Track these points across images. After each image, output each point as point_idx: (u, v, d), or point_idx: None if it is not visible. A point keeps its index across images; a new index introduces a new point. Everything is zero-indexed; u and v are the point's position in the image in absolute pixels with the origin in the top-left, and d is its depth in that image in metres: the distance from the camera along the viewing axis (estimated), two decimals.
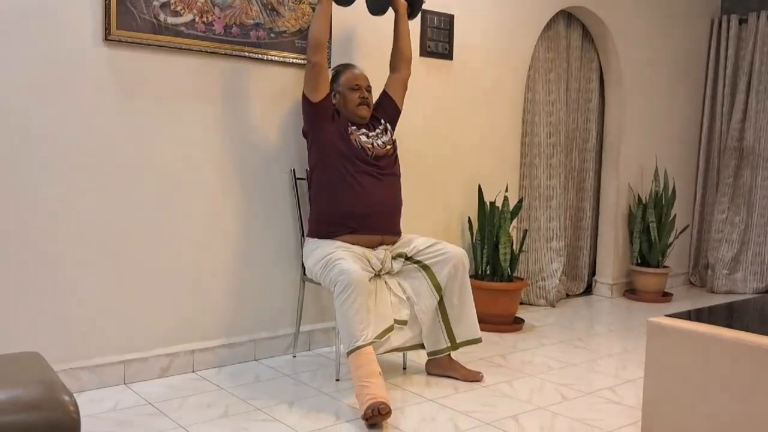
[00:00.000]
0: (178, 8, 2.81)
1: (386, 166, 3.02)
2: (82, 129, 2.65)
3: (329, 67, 3.20)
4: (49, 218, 2.59)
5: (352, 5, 3.13)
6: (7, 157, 2.50)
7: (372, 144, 2.99)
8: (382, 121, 3.11)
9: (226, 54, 2.96)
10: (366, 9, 3.21)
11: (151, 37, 2.75)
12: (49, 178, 2.58)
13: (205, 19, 2.89)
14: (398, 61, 3.22)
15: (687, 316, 2.39)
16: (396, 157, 3.10)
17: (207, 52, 2.91)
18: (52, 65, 2.56)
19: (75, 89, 2.62)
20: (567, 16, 4.55)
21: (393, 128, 3.15)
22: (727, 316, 2.61)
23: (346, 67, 3.11)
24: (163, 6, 2.77)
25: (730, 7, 5.32)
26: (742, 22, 5.17)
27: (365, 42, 3.42)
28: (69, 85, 2.60)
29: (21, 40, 2.50)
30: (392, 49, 3.23)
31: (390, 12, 3.22)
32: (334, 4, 3.03)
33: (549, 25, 4.38)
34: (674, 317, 2.32)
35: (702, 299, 4.83)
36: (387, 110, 3.16)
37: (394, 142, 3.10)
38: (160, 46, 2.78)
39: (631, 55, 4.77)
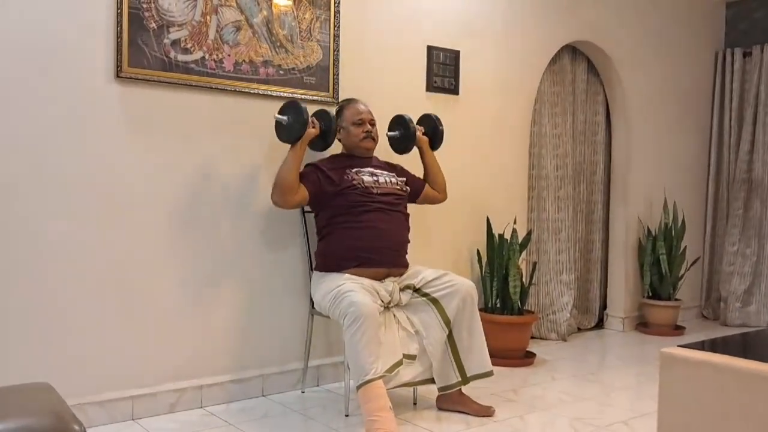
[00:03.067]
0: (189, 46, 2.86)
1: (393, 202, 3.02)
2: (93, 165, 2.68)
3: (336, 102, 3.25)
4: (58, 252, 2.61)
5: (360, 35, 3.19)
6: (19, 192, 2.53)
7: (377, 181, 3.00)
8: (403, 179, 3.16)
9: (235, 91, 3.00)
10: (375, 47, 3.26)
11: (162, 74, 2.80)
12: (59, 213, 2.61)
13: (215, 57, 2.94)
14: (437, 189, 3.37)
15: (701, 346, 2.36)
16: (405, 198, 3.12)
17: (217, 88, 2.95)
18: (65, 102, 2.61)
19: (87, 125, 2.66)
20: (572, 50, 4.60)
21: (405, 187, 3.17)
22: (742, 346, 2.58)
23: (349, 102, 3.15)
24: (173, 44, 2.82)
25: (734, 40, 5.37)
26: (746, 55, 5.21)
27: (372, 77, 3.46)
28: (81, 122, 2.64)
29: (34, 78, 2.55)
30: (426, 179, 3.34)
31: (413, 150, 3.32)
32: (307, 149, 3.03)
33: (554, 60, 4.43)
34: (687, 348, 2.29)
35: (715, 332, 4.77)
36: (412, 186, 3.23)
37: (406, 188, 3.14)
38: (170, 83, 2.82)
39: (637, 88, 4.81)
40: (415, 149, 3.33)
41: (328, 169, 2.99)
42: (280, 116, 2.95)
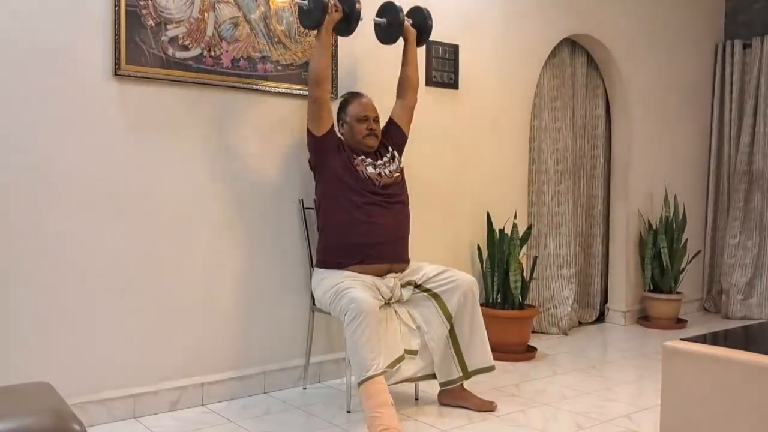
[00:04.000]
0: (186, 42, 2.85)
1: (394, 194, 3.02)
2: (92, 162, 2.67)
3: (335, 97, 3.24)
4: (58, 251, 2.60)
5: (359, 33, 3.17)
6: (19, 190, 2.52)
7: (379, 173, 2.99)
8: (390, 149, 3.12)
9: (234, 87, 2.99)
10: (374, 38, 3.25)
11: (160, 72, 2.79)
12: (59, 211, 2.60)
13: (212, 53, 2.93)
14: (406, 88, 3.23)
15: (703, 339, 2.36)
16: (404, 183, 3.10)
17: (215, 85, 2.94)
18: (64, 100, 2.60)
19: (85, 123, 2.65)
20: (571, 43, 4.59)
21: (400, 155, 3.16)
22: (743, 339, 2.57)
23: (354, 96, 3.13)
24: (171, 41, 2.81)
25: (734, 32, 5.35)
26: (746, 46, 5.20)
27: (371, 71, 3.45)
28: (80, 120, 2.64)
29: (33, 76, 2.54)
30: (400, 76, 3.25)
31: (398, 41, 3.25)
32: (333, 35, 3.05)
33: (553, 53, 4.41)
34: (690, 341, 2.28)
35: (717, 325, 4.75)
36: (394, 138, 3.17)
37: (401, 170, 3.11)
38: (168, 80, 2.81)
39: (637, 81, 4.79)
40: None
41: (339, 142, 3.00)
42: (301, 1, 2.95)
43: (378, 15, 3.23)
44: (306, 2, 2.94)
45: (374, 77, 3.45)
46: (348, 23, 2.99)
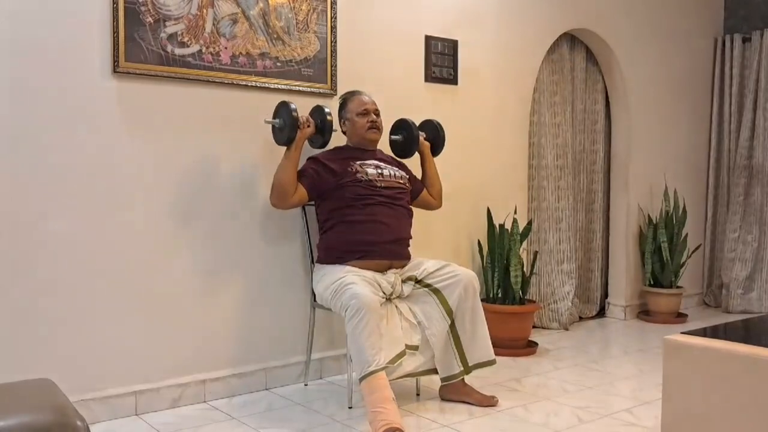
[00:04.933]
0: (185, 39, 2.85)
1: (396, 196, 3.01)
2: (91, 160, 2.67)
3: (335, 94, 3.24)
4: (58, 248, 2.60)
5: (358, 27, 3.18)
6: (19, 188, 2.52)
7: (381, 174, 2.99)
8: (405, 174, 3.15)
9: (233, 83, 2.99)
10: (372, 35, 3.26)
11: (159, 69, 2.78)
12: (59, 209, 2.60)
13: (212, 50, 2.92)
14: (433, 195, 3.36)
15: (703, 333, 2.36)
16: (408, 193, 3.11)
17: (214, 82, 2.94)
18: (63, 97, 2.60)
19: (85, 121, 2.65)
20: (570, 38, 4.58)
21: (408, 181, 3.16)
22: (744, 332, 2.58)
23: (352, 94, 3.13)
24: (170, 37, 2.81)
25: (733, 26, 5.35)
26: (745, 41, 5.19)
27: (370, 69, 3.45)
28: (79, 117, 2.63)
29: (32, 74, 2.53)
30: (424, 184, 3.33)
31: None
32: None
33: (552, 48, 4.41)
34: (690, 335, 2.29)
35: (717, 319, 4.76)
36: (413, 183, 3.21)
37: (407, 182, 3.12)
38: (167, 77, 2.81)
39: (636, 76, 4.79)
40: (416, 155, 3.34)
41: (329, 160, 2.98)
42: (271, 120, 2.96)
43: (392, 133, 3.32)
44: (277, 121, 2.94)
45: (374, 75, 3.45)
46: (322, 135, 3.01)
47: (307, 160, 3.01)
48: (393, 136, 3.31)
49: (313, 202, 3.11)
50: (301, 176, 2.93)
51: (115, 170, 2.72)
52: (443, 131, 3.39)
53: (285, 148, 2.93)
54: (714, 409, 2.13)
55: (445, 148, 3.45)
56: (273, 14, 3.10)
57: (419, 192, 3.29)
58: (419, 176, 3.36)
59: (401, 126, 3.32)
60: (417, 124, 3.33)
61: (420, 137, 3.30)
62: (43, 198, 2.57)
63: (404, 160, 3.33)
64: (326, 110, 3.00)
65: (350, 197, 2.92)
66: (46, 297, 2.58)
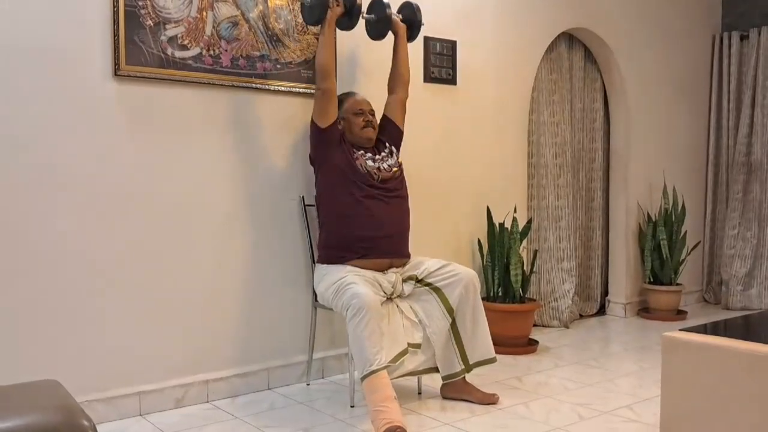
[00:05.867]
0: (186, 42, 2.87)
1: (393, 188, 3.03)
2: (93, 162, 2.69)
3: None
4: (61, 250, 2.62)
5: (353, 31, 3.19)
6: (21, 190, 2.54)
7: (378, 167, 3.01)
8: (387, 144, 3.14)
9: (233, 86, 3.01)
10: (365, 35, 3.27)
11: (159, 71, 2.80)
12: (62, 211, 2.62)
13: (212, 52, 2.94)
14: (397, 83, 3.26)
15: (703, 329, 2.37)
16: (402, 178, 3.12)
17: (215, 84, 2.96)
18: (64, 100, 2.61)
19: (86, 124, 2.67)
20: (568, 37, 4.60)
21: (398, 150, 3.18)
22: (743, 328, 2.59)
23: (348, 95, 3.17)
24: (170, 40, 2.83)
25: (731, 23, 5.36)
26: (743, 38, 5.21)
27: (367, 66, 3.46)
28: (80, 120, 2.65)
29: (33, 78, 2.55)
30: (391, 71, 3.28)
31: (390, 36, 3.27)
32: (336, 29, 3.08)
33: (551, 47, 4.42)
34: (689, 331, 2.30)
35: (717, 316, 4.77)
36: (390, 133, 3.19)
37: (399, 165, 3.12)
38: (168, 79, 2.83)
39: (634, 74, 4.80)
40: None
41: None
42: None
43: (367, 12, 3.26)
44: None
45: (373, 75, 3.46)
46: (349, 18, 3.04)
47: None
48: (366, 15, 3.24)
49: (313, 202, 3.14)
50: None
51: (116, 172, 2.74)
52: (420, 14, 3.30)
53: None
54: (713, 405, 2.14)
55: (444, 147, 3.46)
56: (272, 16, 3.11)
57: (395, 126, 3.21)
58: (389, 64, 3.28)
59: (374, 4, 3.24)
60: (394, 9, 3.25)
61: (395, 17, 3.24)
62: (45, 200, 2.58)
63: (377, 42, 3.29)
64: None
65: (349, 183, 2.93)
66: (50, 299, 2.60)
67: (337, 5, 2.99)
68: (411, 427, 2.61)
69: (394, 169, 3.07)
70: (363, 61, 3.46)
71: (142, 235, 2.80)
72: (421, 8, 3.31)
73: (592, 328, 4.49)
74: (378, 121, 3.18)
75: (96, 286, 2.70)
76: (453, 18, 3.82)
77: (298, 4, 3.10)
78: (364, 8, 3.23)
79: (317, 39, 3.21)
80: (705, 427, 2.17)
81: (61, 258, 2.62)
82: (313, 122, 3.00)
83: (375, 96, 3.22)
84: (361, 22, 3.21)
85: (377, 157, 3.06)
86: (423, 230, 3.52)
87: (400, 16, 3.29)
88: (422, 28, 3.35)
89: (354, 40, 3.35)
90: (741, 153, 5.12)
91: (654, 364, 3.50)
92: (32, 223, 2.56)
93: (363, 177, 2.95)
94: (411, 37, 3.32)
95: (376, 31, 3.27)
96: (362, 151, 3.03)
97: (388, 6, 3.20)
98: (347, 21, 3.07)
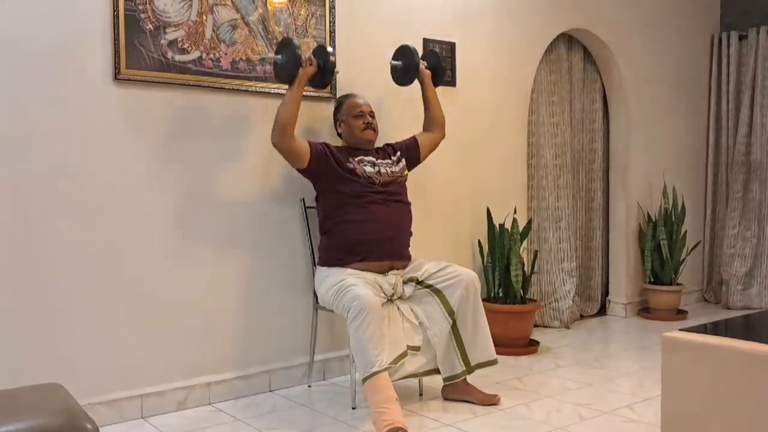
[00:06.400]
0: (186, 45, 2.88)
1: (394, 192, 3.04)
2: (94, 166, 2.70)
3: (334, 97, 3.27)
4: (63, 253, 2.63)
5: (356, 35, 3.20)
6: (22, 193, 2.55)
7: (379, 171, 3.02)
8: (398, 155, 3.16)
9: (233, 89, 3.02)
10: (372, 39, 3.29)
11: (159, 75, 2.81)
12: (64, 215, 2.63)
13: (212, 56, 2.95)
14: (433, 125, 3.33)
15: (703, 329, 2.37)
16: (405, 185, 3.12)
17: (215, 87, 2.96)
18: (65, 104, 2.62)
19: (86, 128, 2.68)
20: (568, 38, 4.60)
21: (407, 167, 3.18)
22: (744, 328, 2.60)
23: (347, 96, 3.17)
24: (170, 44, 2.83)
25: (730, 23, 5.37)
26: (742, 38, 5.21)
27: (369, 68, 3.47)
28: (80, 124, 2.66)
29: (34, 82, 2.56)
30: (425, 116, 3.34)
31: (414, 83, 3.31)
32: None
33: (550, 49, 4.43)
34: (689, 331, 2.30)
35: (717, 315, 4.78)
36: (409, 151, 3.22)
37: (405, 175, 3.13)
38: (168, 83, 2.84)
39: (633, 75, 4.81)
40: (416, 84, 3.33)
41: (335, 150, 3.01)
42: (275, 56, 2.95)
43: (394, 58, 3.31)
44: (280, 56, 2.93)
45: (373, 79, 3.47)
46: (323, 76, 3.00)
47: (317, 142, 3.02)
48: (393, 62, 3.29)
49: (314, 204, 3.14)
50: (309, 144, 2.94)
51: (117, 175, 2.75)
52: (444, 62, 3.35)
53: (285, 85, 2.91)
54: (714, 404, 2.15)
55: (444, 148, 3.47)
56: (272, 20, 3.12)
57: (417, 147, 3.24)
58: (420, 116, 3.33)
59: (402, 52, 3.28)
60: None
61: (421, 65, 3.28)
62: (46, 204, 2.59)
63: (403, 88, 3.34)
64: (329, 50, 2.99)
65: (348, 194, 2.94)
66: (52, 302, 2.60)
67: (310, 64, 2.92)
68: (412, 429, 2.61)
69: (397, 175, 3.07)
70: (366, 68, 3.46)
71: (143, 238, 2.81)
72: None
73: (593, 328, 4.50)
74: (404, 140, 3.22)
75: (97, 289, 2.71)
76: (452, 20, 3.83)
77: (298, 4, 3.10)
78: (389, 57, 3.26)
79: (317, 43, 3.23)
80: (706, 427, 2.17)
81: (63, 261, 2.63)
82: (294, 167, 2.98)
83: (376, 102, 3.22)
84: (363, 26, 3.22)
85: (378, 161, 3.06)
86: (423, 232, 3.53)
87: (425, 63, 3.33)
88: (424, 38, 3.40)
89: (357, 43, 3.35)
90: (740, 152, 5.12)
91: (654, 364, 3.51)
92: (33, 226, 2.57)
93: (363, 183, 2.96)
94: (436, 83, 3.38)
95: (402, 78, 3.33)
96: (360, 157, 3.03)
97: (416, 53, 3.25)
98: (321, 79, 3.01)
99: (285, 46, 2.93)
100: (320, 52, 2.99)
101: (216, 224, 3.00)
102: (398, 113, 3.52)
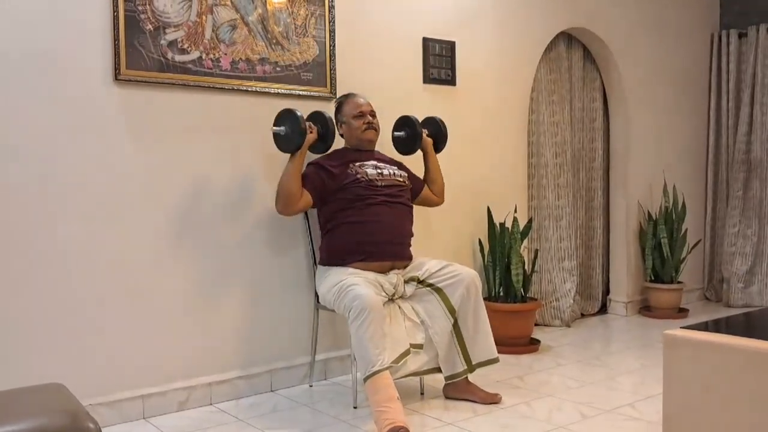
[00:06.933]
0: (185, 46, 2.88)
1: (396, 194, 3.04)
2: (94, 167, 2.70)
3: (334, 96, 3.27)
4: (64, 256, 2.63)
5: (357, 37, 3.20)
6: (23, 194, 2.55)
7: (381, 173, 3.02)
8: (404, 173, 3.16)
9: (233, 89, 3.02)
10: (370, 39, 3.30)
11: (159, 76, 2.81)
12: (65, 216, 2.63)
13: (212, 56, 2.95)
14: (435, 192, 3.38)
15: (704, 327, 2.38)
16: (408, 190, 3.13)
17: (215, 87, 2.97)
18: (65, 106, 2.63)
19: (87, 129, 2.68)
20: (567, 37, 4.61)
21: (407, 182, 3.17)
22: (745, 325, 2.60)
23: (348, 96, 3.17)
24: (170, 44, 2.84)
25: (729, 21, 5.37)
26: (741, 36, 5.21)
27: (369, 69, 3.47)
28: (81, 125, 2.66)
29: (34, 84, 2.56)
30: (426, 183, 3.36)
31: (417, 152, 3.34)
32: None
33: (550, 47, 4.43)
34: (690, 329, 2.31)
35: (718, 313, 4.78)
36: (413, 181, 3.24)
37: (407, 183, 3.14)
38: (168, 83, 2.84)
39: (633, 73, 4.81)
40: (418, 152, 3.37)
41: (330, 165, 3.00)
42: (276, 128, 2.93)
43: (395, 129, 3.34)
44: (282, 129, 2.92)
45: (373, 78, 3.47)
46: (324, 141, 3.01)
47: (308, 165, 3.03)
48: (396, 133, 3.34)
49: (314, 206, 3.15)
50: (304, 181, 2.95)
51: (117, 176, 2.75)
52: (445, 127, 3.41)
53: (287, 154, 2.93)
54: (715, 402, 2.15)
55: (445, 146, 3.47)
56: (272, 19, 3.12)
57: (420, 190, 3.32)
58: (421, 175, 3.38)
59: (405, 123, 3.34)
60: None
61: (423, 133, 3.32)
62: (47, 206, 2.60)
63: (406, 157, 3.36)
64: (327, 116, 3.01)
65: (351, 198, 2.95)
66: (53, 304, 2.60)
67: (310, 132, 2.93)
68: (414, 427, 2.61)
69: (400, 179, 3.08)
70: (367, 64, 3.46)
71: (144, 238, 2.81)
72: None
73: (594, 326, 4.50)
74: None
75: (98, 290, 2.71)
76: (452, 19, 3.83)
77: (298, 4, 3.10)
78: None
79: (316, 43, 3.23)
80: (707, 424, 2.17)
81: (64, 262, 2.63)
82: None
83: (375, 100, 3.22)
84: (363, 25, 3.23)
85: (381, 164, 3.07)
86: (424, 231, 3.53)
87: (426, 132, 3.35)
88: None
89: (358, 42, 3.35)
90: (741, 151, 5.12)
91: (656, 362, 3.51)
92: (34, 227, 2.57)
93: (365, 185, 2.96)
94: (437, 149, 3.41)
95: (405, 148, 3.36)
96: (361, 162, 3.03)
97: (418, 123, 3.28)
98: (323, 145, 3.02)
99: (287, 117, 2.91)
100: (318, 118, 3.00)
101: (217, 224, 3.00)
102: (398, 113, 3.51)
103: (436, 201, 3.41)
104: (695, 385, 2.20)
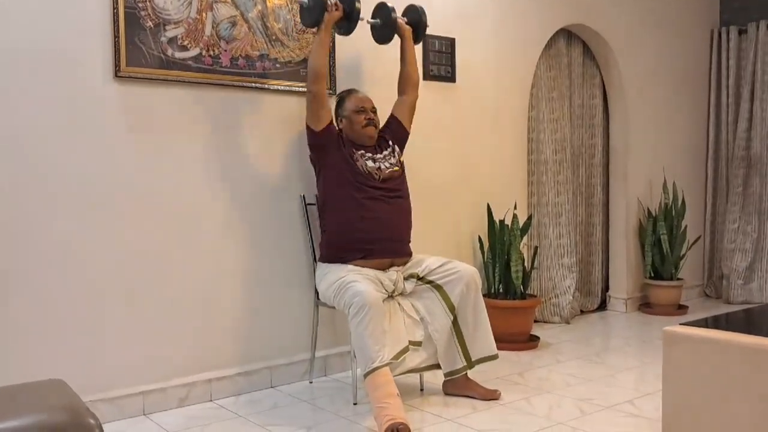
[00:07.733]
0: (185, 43, 2.88)
1: (394, 188, 3.04)
2: (95, 164, 2.70)
3: (334, 94, 3.26)
4: (65, 253, 2.63)
5: (360, 35, 3.20)
6: (23, 191, 2.55)
7: (379, 167, 3.02)
8: (390, 143, 3.15)
9: (233, 85, 3.02)
10: (371, 38, 3.28)
11: (160, 72, 2.81)
12: (65, 213, 2.63)
13: (211, 53, 2.95)
14: (406, 85, 3.27)
15: (703, 323, 2.38)
16: (404, 178, 3.13)
17: (215, 84, 2.97)
18: (65, 103, 2.63)
19: (87, 126, 2.68)
20: (567, 34, 4.60)
21: (401, 150, 3.19)
22: (744, 322, 2.60)
23: (350, 92, 3.17)
24: (170, 41, 2.84)
25: (729, 18, 5.36)
26: (741, 32, 5.21)
27: (370, 69, 3.47)
28: (81, 121, 2.66)
29: (34, 80, 2.56)
30: (400, 73, 3.29)
31: (395, 39, 3.28)
32: (336, 33, 3.09)
33: (549, 44, 4.43)
34: (690, 326, 2.31)
35: (718, 310, 4.79)
36: (395, 132, 3.20)
37: (401, 164, 3.13)
38: (168, 80, 2.84)
39: (633, 70, 4.81)
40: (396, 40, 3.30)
41: (343, 137, 3.04)
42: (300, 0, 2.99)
43: (372, 17, 3.28)
44: (306, 0, 2.96)
45: (373, 74, 3.47)
46: (348, 22, 3.03)
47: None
48: (370, 20, 3.26)
49: (314, 201, 3.15)
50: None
51: (117, 173, 2.75)
52: (425, 17, 3.32)
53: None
54: (715, 398, 2.15)
55: (444, 145, 3.47)
56: (271, 16, 3.12)
57: (401, 126, 3.22)
58: (397, 66, 3.29)
59: (379, 9, 3.26)
60: (399, 11, 3.26)
61: (400, 21, 3.25)
62: (48, 203, 2.60)
63: (383, 45, 3.31)
64: None
65: (348, 179, 2.94)
66: (54, 300, 2.61)
67: (336, 9, 2.97)
68: (413, 424, 2.62)
69: (395, 168, 3.07)
70: (366, 64, 3.46)
71: (144, 234, 2.81)
72: (425, 10, 3.32)
73: (593, 323, 4.50)
74: (380, 120, 3.19)
75: (99, 287, 2.71)
76: (452, 16, 3.83)
77: (297, 4, 3.11)
78: (368, 13, 3.24)
79: (311, 38, 3.22)
80: (706, 421, 2.18)
81: (64, 259, 2.63)
82: (308, 126, 3.00)
83: (379, 99, 3.22)
84: (366, 27, 3.22)
85: (378, 156, 3.06)
86: (424, 228, 3.53)
87: (405, 19, 3.30)
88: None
89: (357, 42, 3.35)
90: (740, 147, 5.12)
91: (655, 359, 3.51)
92: (34, 224, 2.57)
93: (364, 178, 2.96)
94: (417, 39, 3.33)
95: (381, 36, 3.29)
96: (362, 151, 3.03)
97: (392, 10, 3.22)
98: (346, 25, 3.06)
99: None
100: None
101: (216, 221, 3.01)
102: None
103: (413, 99, 3.26)
104: (695, 382, 2.20)
